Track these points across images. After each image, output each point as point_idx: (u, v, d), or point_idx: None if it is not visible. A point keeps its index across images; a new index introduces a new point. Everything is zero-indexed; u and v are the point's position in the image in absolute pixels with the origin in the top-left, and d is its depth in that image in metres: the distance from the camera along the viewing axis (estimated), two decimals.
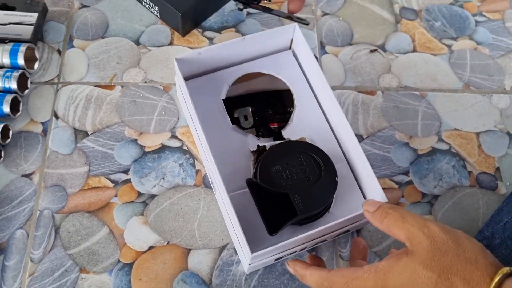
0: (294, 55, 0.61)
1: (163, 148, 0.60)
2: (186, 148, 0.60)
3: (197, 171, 0.58)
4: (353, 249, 0.51)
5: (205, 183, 0.58)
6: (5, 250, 0.53)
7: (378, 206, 0.42)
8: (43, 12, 0.65)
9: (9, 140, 0.58)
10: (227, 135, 0.55)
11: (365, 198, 0.53)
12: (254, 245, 0.48)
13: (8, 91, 0.59)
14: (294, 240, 0.46)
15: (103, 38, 0.67)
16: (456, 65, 0.68)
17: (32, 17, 0.63)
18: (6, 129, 0.57)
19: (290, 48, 0.61)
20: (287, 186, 0.50)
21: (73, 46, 0.66)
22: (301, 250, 0.52)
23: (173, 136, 0.60)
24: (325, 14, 0.71)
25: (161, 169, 0.58)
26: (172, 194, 0.57)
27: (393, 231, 0.41)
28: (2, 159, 0.57)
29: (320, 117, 0.58)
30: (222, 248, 0.55)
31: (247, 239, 0.45)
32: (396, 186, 0.59)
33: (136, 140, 0.60)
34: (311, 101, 0.58)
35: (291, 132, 0.56)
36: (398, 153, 0.61)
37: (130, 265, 0.53)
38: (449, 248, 0.38)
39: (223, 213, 0.55)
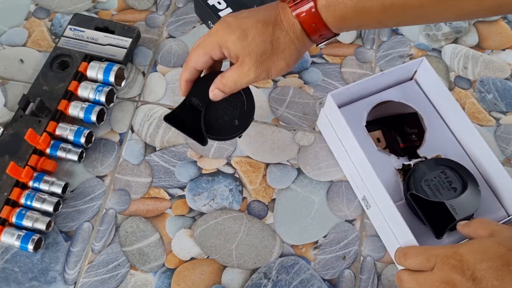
0: (418, 84, 0.70)
1: (218, 172, 0.67)
2: (237, 176, 0.67)
3: (243, 198, 0.66)
4: None
5: (249, 210, 0.65)
6: (72, 238, 0.62)
7: None
8: (136, 38, 0.76)
9: (91, 144, 0.68)
10: (373, 157, 0.64)
11: (502, 205, 0.63)
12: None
13: (97, 102, 0.69)
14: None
15: (182, 67, 0.76)
16: (501, 138, 0.72)
17: (127, 41, 0.74)
18: (90, 135, 0.67)
19: (411, 79, 0.70)
20: (439, 196, 0.58)
21: (156, 71, 0.75)
22: None
23: (228, 164, 0.68)
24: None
25: (213, 191, 0.66)
26: (218, 215, 0.65)
27: (478, 231, 0.49)
28: (83, 159, 0.67)
29: (450, 137, 0.67)
30: (254, 271, 0.61)
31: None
32: None
33: (195, 161, 0.68)
34: (439, 123, 0.68)
35: (426, 151, 0.65)
36: None
37: (172, 271, 0.61)
38: None
39: (377, 228, 0.63)
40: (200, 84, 0.56)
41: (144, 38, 0.78)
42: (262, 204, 0.66)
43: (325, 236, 0.64)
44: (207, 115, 0.57)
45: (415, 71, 0.69)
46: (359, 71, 0.77)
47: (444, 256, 0.46)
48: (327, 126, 0.67)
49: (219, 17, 0.74)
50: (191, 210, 0.65)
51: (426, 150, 0.65)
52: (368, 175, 0.59)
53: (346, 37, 0.80)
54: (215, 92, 0.54)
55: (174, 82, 0.74)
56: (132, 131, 0.70)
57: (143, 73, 0.75)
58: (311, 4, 0.48)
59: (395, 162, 0.64)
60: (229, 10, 0.75)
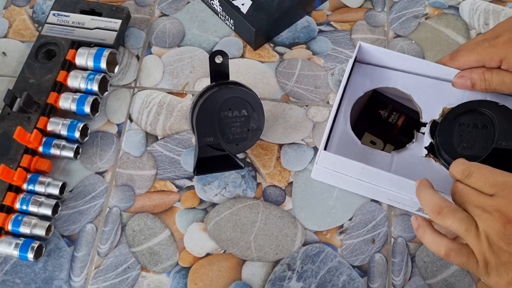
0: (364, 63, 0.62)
1: None
2: (249, 160, 0.62)
3: (258, 184, 0.60)
4: None
5: (265, 197, 0.59)
6: (75, 242, 0.57)
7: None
8: (126, 19, 0.69)
9: (87, 138, 0.62)
10: (395, 164, 0.57)
11: None
12: None
13: (89, 92, 0.63)
14: None
15: (179, 46, 0.70)
16: None
17: (116, 23, 0.67)
18: (85, 128, 0.62)
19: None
20: (488, 145, 0.53)
21: (151, 53, 0.69)
22: None
23: None
24: (398, 36, 0.70)
25: (224, 179, 0.60)
26: (232, 204, 0.59)
27: None
28: (79, 155, 0.61)
29: (435, 83, 0.60)
30: (276, 263, 0.56)
31: None
32: None
33: None
34: (415, 79, 0.61)
35: (427, 115, 0.58)
36: None
37: (187, 269, 0.56)
38: None
39: None
40: (201, 118, 0.56)
41: (134, 18, 0.72)
42: (278, 189, 0.60)
43: (350, 219, 0.58)
44: (226, 140, 0.57)
45: (355, 58, 0.61)
46: (371, 36, 0.70)
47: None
48: (329, 174, 0.58)
49: None
50: (202, 201, 0.59)
51: (427, 115, 0.58)
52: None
53: (354, 0, 0.73)
54: (462, 81, 0.51)
55: (171, 64, 0.68)
56: (131, 120, 0.64)
57: (137, 57, 0.69)
58: None
59: (416, 149, 0.57)
60: None
